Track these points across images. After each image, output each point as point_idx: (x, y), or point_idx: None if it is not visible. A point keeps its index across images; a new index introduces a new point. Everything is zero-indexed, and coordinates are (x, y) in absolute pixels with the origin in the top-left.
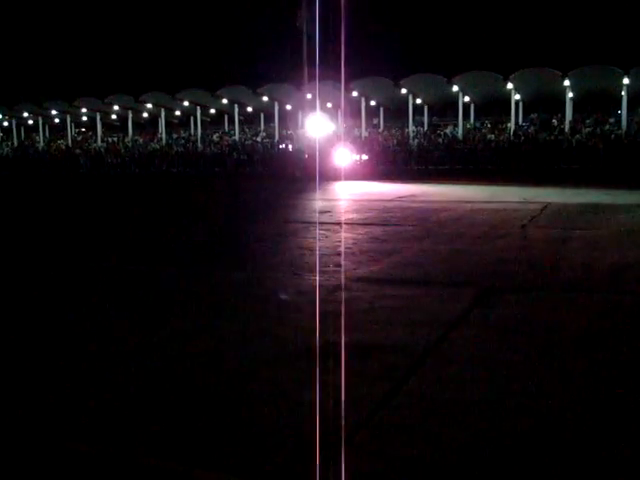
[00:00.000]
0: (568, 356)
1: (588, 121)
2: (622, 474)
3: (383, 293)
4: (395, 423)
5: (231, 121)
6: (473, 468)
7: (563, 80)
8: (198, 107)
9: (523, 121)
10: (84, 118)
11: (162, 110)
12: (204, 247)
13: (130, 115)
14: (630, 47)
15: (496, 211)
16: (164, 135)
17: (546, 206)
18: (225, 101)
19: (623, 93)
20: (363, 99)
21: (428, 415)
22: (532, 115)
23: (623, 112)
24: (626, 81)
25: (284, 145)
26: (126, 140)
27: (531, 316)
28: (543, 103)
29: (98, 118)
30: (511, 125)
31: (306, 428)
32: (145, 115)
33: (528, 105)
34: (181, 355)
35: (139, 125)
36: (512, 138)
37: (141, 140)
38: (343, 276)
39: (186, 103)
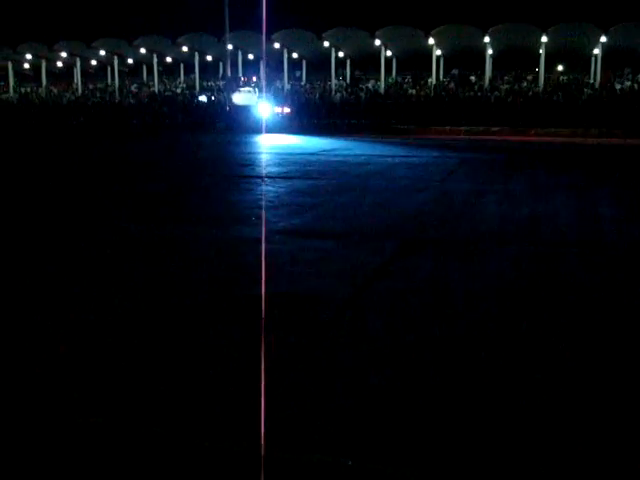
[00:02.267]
0: (476, 300)
1: (507, 78)
2: None
3: (305, 245)
4: (313, 380)
5: (150, 72)
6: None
7: (483, 37)
8: (115, 57)
9: (444, 77)
10: None
11: (77, 59)
12: (120, 202)
13: (44, 65)
14: (548, 6)
15: (416, 165)
16: (80, 86)
17: (464, 161)
18: (143, 51)
19: (541, 51)
20: (285, 51)
21: (348, 364)
22: (453, 71)
23: (541, 70)
24: (544, 39)
25: (205, 97)
26: (40, 91)
27: (447, 266)
28: (463, 59)
29: (10, 67)
30: (432, 80)
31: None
32: (60, 65)
33: (449, 61)
34: None
35: (54, 75)
36: (433, 94)
37: (56, 91)
38: (265, 229)
39: (102, 52)
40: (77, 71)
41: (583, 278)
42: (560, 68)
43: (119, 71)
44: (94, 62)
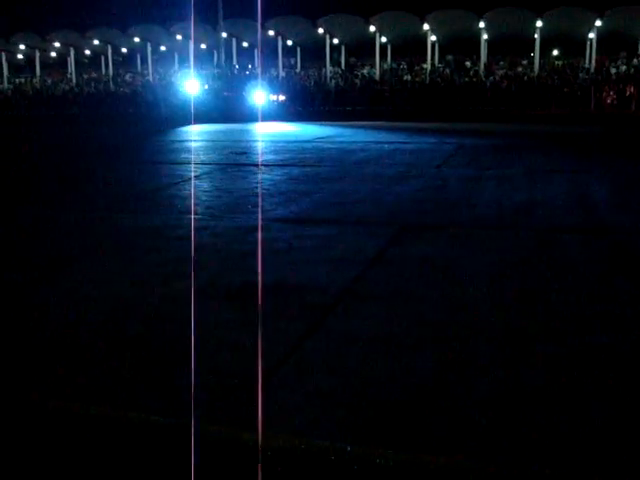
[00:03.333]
0: (477, 287)
1: (502, 63)
2: None
3: (302, 233)
4: (313, 361)
5: (144, 61)
6: (393, 400)
7: (478, 22)
8: (109, 46)
9: (439, 62)
10: None
11: (71, 49)
12: (120, 193)
13: (37, 55)
14: None
15: (413, 151)
16: (74, 76)
17: (461, 146)
18: (137, 40)
19: (536, 36)
20: (280, 38)
21: (345, 349)
22: (448, 57)
23: (536, 55)
24: (539, 24)
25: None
26: (34, 81)
27: (445, 252)
28: (459, 45)
29: (3, 58)
30: (427, 66)
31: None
32: (53, 55)
33: (444, 47)
34: None
35: (47, 66)
36: (428, 79)
37: (50, 81)
38: (262, 217)
39: (96, 42)
40: (71, 61)
41: (578, 257)
42: (555, 53)
43: (113, 60)
44: (88, 52)
